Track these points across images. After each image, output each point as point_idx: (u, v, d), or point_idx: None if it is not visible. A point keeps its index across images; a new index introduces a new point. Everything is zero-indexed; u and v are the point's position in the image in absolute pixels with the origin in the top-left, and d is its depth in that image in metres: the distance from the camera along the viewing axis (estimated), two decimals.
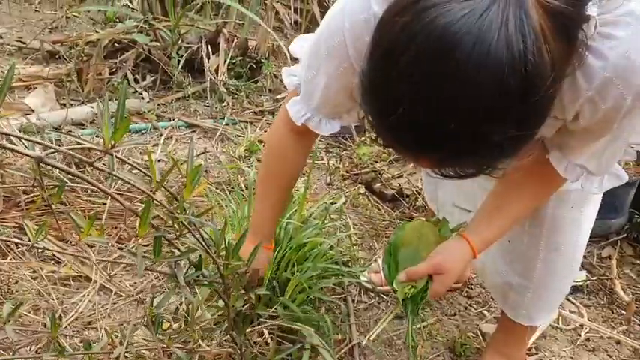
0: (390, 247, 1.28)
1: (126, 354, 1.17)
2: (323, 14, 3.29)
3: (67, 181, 0.84)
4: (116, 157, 0.80)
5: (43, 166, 0.78)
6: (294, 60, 1.25)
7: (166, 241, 0.89)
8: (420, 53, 0.74)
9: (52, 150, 0.76)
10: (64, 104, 2.54)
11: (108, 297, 1.71)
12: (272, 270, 1.55)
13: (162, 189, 0.85)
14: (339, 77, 1.08)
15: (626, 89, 0.87)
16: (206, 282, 0.94)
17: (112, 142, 0.73)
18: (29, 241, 1.40)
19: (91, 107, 2.50)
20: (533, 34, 0.73)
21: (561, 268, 1.38)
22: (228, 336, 1.06)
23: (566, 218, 1.31)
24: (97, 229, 0.85)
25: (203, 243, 0.89)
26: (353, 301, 1.75)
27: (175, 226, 0.85)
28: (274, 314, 1.31)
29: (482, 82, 0.72)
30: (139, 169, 0.84)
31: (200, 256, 0.93)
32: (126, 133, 0.74)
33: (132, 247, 1.88)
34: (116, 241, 1.90)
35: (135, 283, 1.77)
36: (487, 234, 1.18)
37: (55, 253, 1.80)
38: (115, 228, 1.94)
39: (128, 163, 0.82)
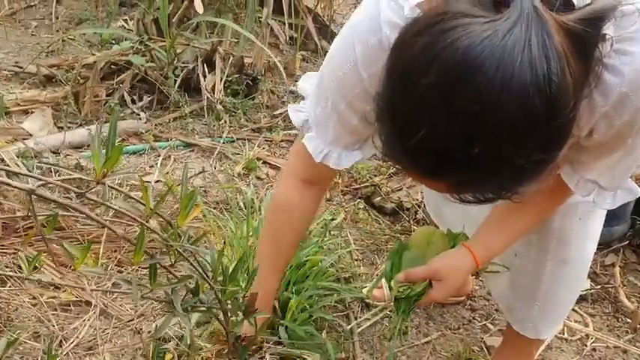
0: (398, 247, 1.27)
1: None
2: (318, 29, 3.31)
3: (59, 211, 0.83)
4: (109, 185, 0.79)
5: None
6: (300, 96, 1.24)
7: (163, 268, 0.88)
8: (442, 75, 0.72)
9: (43, 182, 0.75)
10: (62, 127, 2.54)
11: (109, 322, 1.70)
12: None
13: (157, 215, 0.85)
14: (352, 104, 1.07)
15: None
16: (204, 308, 0.92)
17: (104, 171, 0.72)
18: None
19: (89, 129, 2.50)
20: (557, 55, 0.72)
21: (569, 281, 1.37)
22: None
23: (574, 231, 1.30)
24: (92, 257, 0.84)
25: (199, 269, 0.88)
26: (355, 318, 1.74)
27: (170, 253, 0.84)
28: (274, 338, 1.30)
29: (506, 105, 0.71)
30: (132, 197, 0.83)
31: (197, 281, 0.92)
32: (117, 162, 0.73)
33: (131, 272, 1.87)
34: (115, 265, 1.89)
35: (136, 306, 1.75)
36: (491, 246, 1.17)
37: (54, 278, 1.80)
38: (115, 251, 1.93)
39: (121, 192, 0.81)
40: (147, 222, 0.80)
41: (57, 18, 3.70)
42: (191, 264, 0.85)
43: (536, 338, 1.46)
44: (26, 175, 0.76)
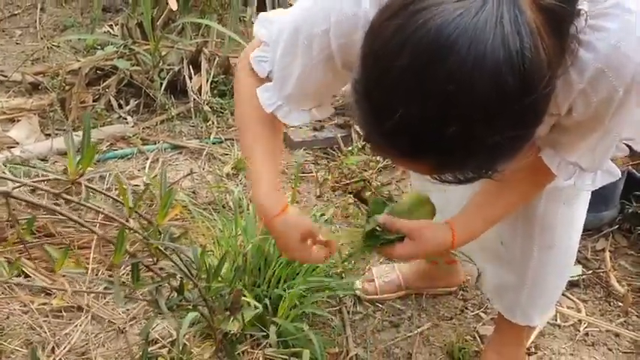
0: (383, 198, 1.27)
1: None
2: None
3: (35, 216, 0.83)
4: (86, 185, 0.79)
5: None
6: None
7: (147, 267, 0.88)
8: (415, 57, 0.72)
9: (19, 185, 0.75)
10: (49, 134, 2.54)
11: (101, 326, 1.70)
12: (263, 288, 1.54)
13: (137, 215, 0.85)
14: (316, 67, 1.06)
15: (618, 80, 0.87)
16: (190, 306, 0.92)
17: (80, 171, 0.72)
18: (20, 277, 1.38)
19: (77, 135, 2.49)
20: (529, 30, 0.71)
21: (556, 265, 1.37)
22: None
23: (559, 215, 1.30)
24: (75, 260, 0.84)
25: (181, 266, 0.87)
26: (348, 312, 1.74)
27: (151, 251, 0.84)
28: (265, 332, 1.29)
29: (480, 83, 0.71)
30: (110, 197, 0.83)
31: (182, 280, 0.91)
32: (91, 161, 0.73)
33: (121, 276, 1.87)
34: (107, 269, 1.89)
35: (127, 310, 1.75)
36: (471, 228, 1.17)
37: (45, 284, 1.79)
38: (106, 255, 1.92)
39: (98, 191, 0.81)
40: (127, 221, 0.80)
41: (41, 26, 3.70)
42: (173, 262, 0.85)
43: (527, 325, 1.46)
44: (2, 179, 0.75)
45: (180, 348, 1.00)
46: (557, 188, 1.22)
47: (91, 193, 0.91)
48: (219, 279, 0.92)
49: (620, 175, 1.13)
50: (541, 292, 1.41)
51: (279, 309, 1.46)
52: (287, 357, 1.24)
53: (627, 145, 1.13)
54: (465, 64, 0.70)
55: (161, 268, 0.92)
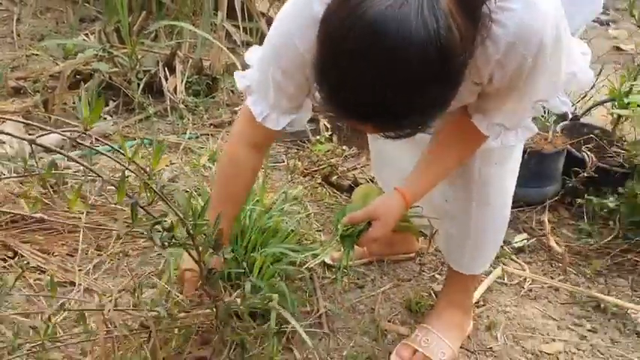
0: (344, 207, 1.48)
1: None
2: None
3: (54, 160, 1.00)
4: (97, 138, 0.97)
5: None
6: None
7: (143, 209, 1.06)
8: (357, 41, 0.94)
9: (43, 133, 0.93)
10: (33, 134, 2.68)
11: (92, 298, 1.85)
12: (241, 254, 1.72)
13: (134, 164, 1.03)
14: (288, 73, 1.27)
15: (526, 51, 1.09)
16: (179, 243, 1.11)
17: (91, 119, 0.90)
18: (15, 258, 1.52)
19: (59, 132, 2.64)
20: (443, 14, 0.93)
21: (493, 220, 1.58)
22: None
23: (492, 174, 1.51)
24: (82, 202, 1.01)
25: (173, 207, 1.06)
26: (318, 277, 1.93)
27: (147, 193, 1.02)
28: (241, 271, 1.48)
29: (409, 57, 0.93)
30: (112, 147, 1.01)
31: (172, 221, 1.10)
32: (99, 113, 0.91)
33: (110, 254, 2.03)
34: (95, 249, 2.05)
35: (116, 284, 1.91)
36: (418, 187, 1.37)
37: (39, 264, 1.95)
38: (94, 238, 2.08)
39: (102, 142, 0.99)
40: (127, 167, 0.98)
41: (18, 36, 3.83)
42: (166, 201, 1.03)
43: (471, 274, 1.67)
44: (30, 124, 0.92)
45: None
46: (489, 150, 1.43)
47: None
48: (204, 219, 1.10)
49: (537, 130, 1.36)
50: (482, 245, 1.62)
51: (254, 268, 1.64)
52: (260, 300, 1.42)
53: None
54: (396, 44, 0.93)
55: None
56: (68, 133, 1.04)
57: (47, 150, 1.00)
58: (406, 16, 0.92)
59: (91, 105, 1.01)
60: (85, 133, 0.92)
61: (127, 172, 1.07)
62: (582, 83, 1.30)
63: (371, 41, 0.93)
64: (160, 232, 1.08)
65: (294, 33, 1.21)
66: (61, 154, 0.98)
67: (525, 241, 2.17)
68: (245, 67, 1.43)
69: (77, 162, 0.98)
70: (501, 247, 2.13)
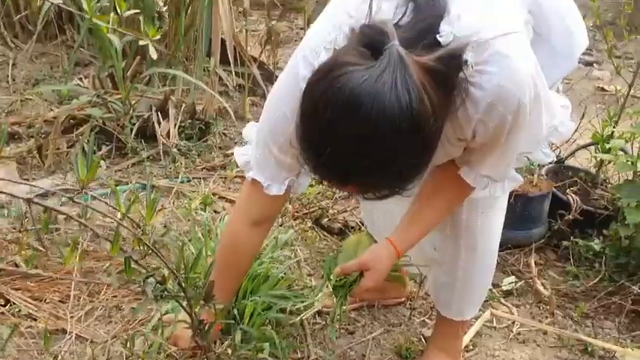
0: (334, 254, 1.51)
1: None
2: (263, 76, 3.58)
3: (49, 216, 1.03)
4: (92, 194, 1.00)
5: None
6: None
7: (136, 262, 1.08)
8: (335, 112, 1.01)
9: (39, 192, 0.96)
10: (27, 179, 2.71)
11: (84, 345, 1.86)
12: (232, 301, 1.74)
13: (128, 219, 1.06)
14: (284, 147, 1.33)
15: (506, 109, 1.14)
16: (171, 295, 1.13)
17: (88, 179, 0.93)
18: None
19: (53, 180, 2.68)
20: (416, 88, 0.99)
21: (481, 266, 1.62)
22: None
23: (478, 222, 1.56)
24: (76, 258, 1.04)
25: (165, 261, 1.09)
26: (309, 323, 1.94)
27: (140, 247, 1.05)
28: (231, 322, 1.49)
29: (383, 128, 0.99)
30: (107, 204, 1.05)
31: (163, 275, 1.12)
32: (96, 173, 0.95)
33: (102, 300, 2.04)
34: (87, 296, 2.06)
35: (108, 330, 1.92)
36: (408, 237, 1.41)
37: (30, 311, 1.95)
38: (85, 284, 2.09)
39: (98, 198, 1.03)
40: (121, 221, 1.02)
41: (13, 80, 3.89)
42: (158, 255, 1.06)
43: (461, 319, 1.70)
44: (24, 183, 0.95)
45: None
46: (474, 199, 1.48)
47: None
48: (195, 273, 1.13)
49: (522, 181, 1.41)
50: (471, 290, 1.65)
51: (245, 316, 1.66)
52: (251, 351, 1.44)
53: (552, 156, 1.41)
54: (371, 116, 0.99)
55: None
56: (64, 188, 1.07)
57: (42, 206, 1.03)
58: (381, 90, 0.98)
59: (86, 156, 1.05)
60: (81, 191, 0.95)
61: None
62: (563, 135, 1.36)
63: (348, 112, 1.00)
64: (152, 284, 1.11)
65: (285, 111, 1.27)
66: (56, 211, 1.01)
67: (513, 284, 2.20)
68: (240, 117, 1.48)
69: (73, 218, 1.01)
70: (490, 290, 2.16)
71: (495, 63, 1.11)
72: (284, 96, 1.29)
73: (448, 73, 1.05)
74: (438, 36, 1.07)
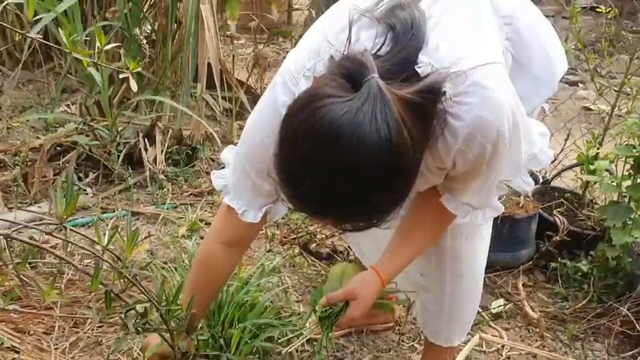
0: (322, 285, 1.50)
1: None
2: (250, 100, 3.58)
3: (31, 250, 1.02)
4: (71, 229, 0.99)
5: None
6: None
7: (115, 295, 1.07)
8: (314, 143, 0.99)
9: (16, 228, 0.95)
10: (12, 208, 2.69)
11: None
12: (218, 330, 1.72)
13: (109, 252, 1.05)
14: (261, 173, 1.31)
15: (485, 139, 1.14)
16: (152, 328, 1.12)
17: (66, 213, 0.93)
18: None
19: (39, 207, 2.65)
20: (395, 121, 0.99)
21: (467, 290, 1.62)
22: None
23: (463, 247, 1.55)
24: (57, 293, 1.03)
25: (147, 294, 1.07)
26: (297, 351, 1.92)
27: (120, 281, 1.04)
28: (217, 354, 1.47)
29: (362, 161, 0.98)
30: (86, 237, 1.04)
31: (145, 307, 1.11)
32: (75, 206, 0.94)
33: (87, 331, 2.02)
34: (72, 327, 2.03)
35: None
36: (393, 265, 1.41)
37: (13, 344, 1.92)
38: (70, 314, 2.06)
39: (78, 233, 1.02)
40: (102, 255, 1.00)
41: (0, 108, 3.87)
42: (139, 287, 1.05)
43: (449, 346, 1.68)
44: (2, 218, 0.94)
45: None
46: (458, 225, 1.48)
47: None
48: (177, 304, 1.12)
49: (504, 209, 1.41)
50: (458, 316, 1.64)
51: (232, 344, 1.64)
52: None
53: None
54: (351, 148, 0.98)
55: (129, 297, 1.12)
56: (44, 226, 1.06)
57: (22, 242, 1.02)
58: (361, 122, 0.97)
59: (67, 188, 1.04)
60: (60, 225, 0.94)
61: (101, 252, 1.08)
62: (542, 163, 1.36)
63: (327, 144, 0.99)
64: (133, 317, 1.09)
65: (263, 137, 1.26)
66: (35, 246, 1.00)
67: (502, 306, 2.20)
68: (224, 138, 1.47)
69: (52, 253, 1.00)
70: (479, 313, 2.15)
71: (474, 94, 1.11)
72: (262, 121, 1.28)
73: (427, 106, 1.05)
74: (416, 67, 1.07)
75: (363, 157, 0.98)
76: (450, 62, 1.08)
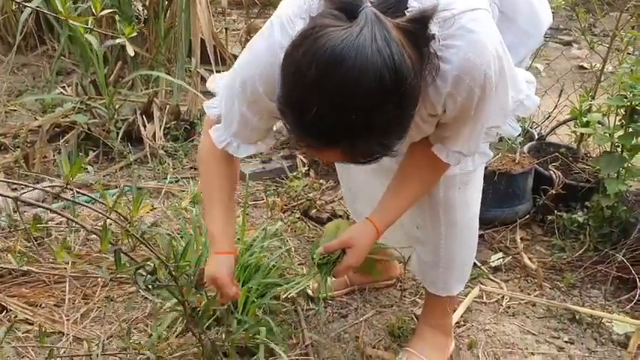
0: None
1: None
2: None
3: (38, 215, 1.06)
4: (78, 191, 1.03)
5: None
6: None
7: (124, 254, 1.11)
8: (319, 70, 1.01)
9: (25, 190, 0.99)
10: (15, 189, 2.73)
11: (81, 346, 1.88)
12: None
13: (116, 214, 1.09)
14: (252, 107, 1.35)
15: (473, 82, 1.17)
16: (162, 285, 1.16)
17: (71, 176, 0.96)
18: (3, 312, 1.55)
19: (42, 188, 2.69)
20: (395, 43, 1.02)
21: (462, 239, 1.66)
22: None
23: (456, 198, 1.59)
24: (67, 252, 1.07)
25: (154, 251, 1.12)
26: (302, 310, 1.98)
27: (129, 240, 1.08)
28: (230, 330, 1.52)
29: (366, 80, 1.00)
30: (94, 199, 1.08)
31: (154, 265, 1.16)
32: (79, 170, 0.97)
33: (97, 302, 2.07)
34: (82, 299, 2.08)
35: (104, 331, 1.94)
36: (387, 215, 1.45)
37: (27, 317, 1.98)
38: (80, 287, 2.12)
39: (83, 194, 1.05)
40: (109, 216, 1.04)
41: None
42: (148, 246, 1.09)
43: (448, 295, 1.74)
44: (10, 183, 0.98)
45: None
46: (450, 177, 1.52)
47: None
48: (185, 261, 1.16)
49: (492, 155, 1.44)
50: (455, 265, 1.69)
51: (239, 304, 1.69)
52: (246, 337, 1.47)
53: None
54: (354, 70, 1.00)
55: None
56: (50, 189, 1.10)
57: (30, 204, 1.05)
58: (362, 44, 1.00)
59: (71, 159, 1.07)
60: (66, 187, 0.98)
61: (109, 221, 1.12)
62: (529, 109, 1.40)
63: (332, 67, 1.01)
64: (143, 275, 1.14)
65: (256, 76, 1.29)
66: (44, 208, 1.04)
67: (501, 259, 2.25)
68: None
69: (60, 214, 1.04)
70: (479, 267, 2.20)
71: (461, 37, 1.15)
72: (257, 59, 1.29)
73: (419, 34, 1.08)
74: (406, 12, 1.10)
75: (367, 76, 1.00)
76: (440, 7, 1.11)
